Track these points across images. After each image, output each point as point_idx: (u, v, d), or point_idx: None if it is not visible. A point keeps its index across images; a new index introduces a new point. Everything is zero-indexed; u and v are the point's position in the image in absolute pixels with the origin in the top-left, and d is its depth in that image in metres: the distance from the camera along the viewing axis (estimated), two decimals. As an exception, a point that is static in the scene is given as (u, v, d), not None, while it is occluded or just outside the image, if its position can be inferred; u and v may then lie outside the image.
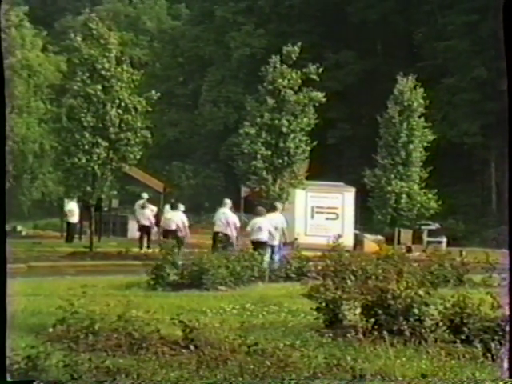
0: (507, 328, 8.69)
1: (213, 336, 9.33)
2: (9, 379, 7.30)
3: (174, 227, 22.48)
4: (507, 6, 6.92)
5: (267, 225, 19.44)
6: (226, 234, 20.48)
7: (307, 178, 27.24)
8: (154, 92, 25.23)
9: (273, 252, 19.37)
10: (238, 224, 21.12)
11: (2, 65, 7.28)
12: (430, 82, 37.16)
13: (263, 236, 19.37)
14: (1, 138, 7.32)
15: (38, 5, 56.21)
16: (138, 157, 24.84)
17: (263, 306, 12.64)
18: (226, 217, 20.87)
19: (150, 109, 24.96)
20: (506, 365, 7.96)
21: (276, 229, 19.63)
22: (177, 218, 22.79)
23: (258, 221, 19.81)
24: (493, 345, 8.64)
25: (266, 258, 18.47)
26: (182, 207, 23.54)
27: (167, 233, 22.15)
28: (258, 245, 18.89)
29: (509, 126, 6.90)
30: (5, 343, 7.16)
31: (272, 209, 21.05)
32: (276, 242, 19.63)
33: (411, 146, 28.61)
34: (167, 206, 29.38)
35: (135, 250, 25.59)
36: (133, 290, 14.74)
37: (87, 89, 24.15)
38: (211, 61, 55.35)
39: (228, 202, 21.64)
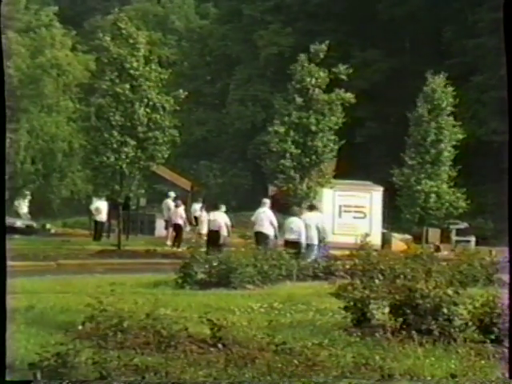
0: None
1: (241, 335, 9.33)
2: (8, 379, 7.33)
3: (218, 228, 22.59)
4: (507, 5, 6.85)
5: (301, 224, 19.49)
6: (266, 234, 20.56)
7: (335, 177, 27.18)
8: (181, 91, 25.32)
9: (311, 251, 19.42)
10: (276, 223, 21.17)
11: (2, 64, 7.34)
12: (459, 80, 36.88)
13: (295, 236, 19.43)
14: (1, 138, 7.35)
15: (68, 5, 56.64)
16: (166, 156, 24.95)
17: (291, 304, 12.61)
18: (267, 216, 20.92)
19: (177, 108, 25.06)
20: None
21: (316, 228, 19.71)
22: (221, 218, 22.91)
23: (292, 220, 19.90)
24: (523, 345, 8.55)
25: (305, 257, 18.58)
26: (223, 208, 23.69)
27: (212, 233, 22.36)
28: (290, 244, 18.96)
29: (509, 125, 6.83)
30: (5, 343, 7.19)
31: (310, 208, 21.21)
32: (315, 242, 19.65)
33: (440, 145, 28.45)
34: (196, 205, 29.50)
35: (163, 248, 25.72)
36: (161, 289, 14.78)
37: (116, 88, 24.29)
38: (239, 59, 55.40)
39: (267, 201, 21.79)
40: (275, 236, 20.89)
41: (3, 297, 7.18)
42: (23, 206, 39.73)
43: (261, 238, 20.20)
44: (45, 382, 7.52)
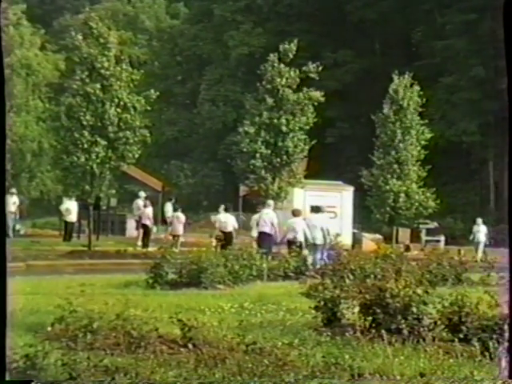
0: (505, 327, 8.70)
1: (211, 335, 9.33)
2: (7, 378, 7.30)
3: (229, 229, 23.56)
4: (507, 5, 6.90)
5: (302, 225, 19.84)
6: (269, 234, 21.04)
7: (306, 177, 27.26)
8: (152, 91, 25.25)
9: (315, 252, 19.64)
10: (277, 225, 21.63)
11: (2, 64, 7.28)
12: (429, 80, 37.18)
13: (297, 236, 19.82)
14: (1, 138, 7.31)
15: (36, 3, 56.21)
16: (137, 156, 24.86)
17: (262, 304, 12.63)
18: (270, 217, 21.43)
19: (148, 108, 24.98)
20: (503, 363, 7.97)
21: (321, 229, 19.99)
22: (230, 220, 23.91)
23: (293, 221, 20.36)
24: (491, 343, 8.64)
25: (309, 257, 18.80)
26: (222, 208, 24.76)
27: (224, 234, 23.12)
28: (291, 244, 19.33)
29: (509, 125, 6.90)
30: (5, 343, 7.15)
31: (315, 210, 21.63)
32: (318, 242, 19.90)
33: (407, 145, 28.63)
34: (168, 205, 29.46)
35: (134, 248, 25.63)
36: (131, 289, 14.73)
37: (86, 87, 24.16)
38: (210, 59, 55.36)
39: (271, 203, 22.53)
40: (276, 237, 21.45)
41: (3, 297, 7.16)
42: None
43: (264, 238, 20.86)
44: (45, 383, 7.49)
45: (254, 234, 21.53)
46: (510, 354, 7.12)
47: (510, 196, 6.83)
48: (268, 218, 21.37)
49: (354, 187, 30.98)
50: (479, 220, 29.52)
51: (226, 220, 23.97)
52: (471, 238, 29.33)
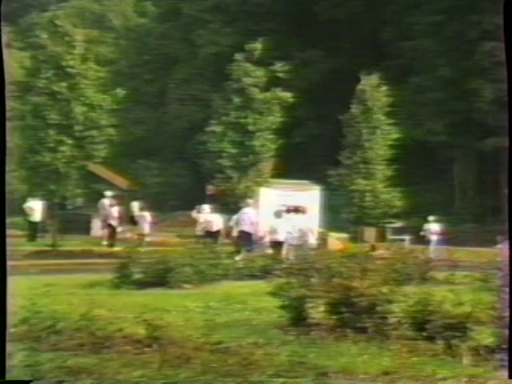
0: (468, 325, 8.78)
1: (176, 334, 9.31)
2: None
3: (215, 228, 23.47)
4: (507, 5, 6.95)
5: (285, 226, 19.96)
6: (249, 233, 21.23)
7: (273, 177, 27.28)
8: (119, 89, 25.14)
9: (295, 251, 19.80)
10: (257, 224, 21.75)
11: (2, 64, 7.26)
12: (396, 80, 37.33)
13: (280, 236, 20.04)
14: (1, 137, 7.31)
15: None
16: (103, 155, 24.75)
17: (227, 304, 12.63)
18: (249, 216, 21.69)
19: (115, 106, 24.87)
20: (465, 361, 8.04)
21: (301, 229, 20.15)
22: (217, 220, 23.78)
23: (276, 222, 20.58)
24: (454, 342, 8.71)
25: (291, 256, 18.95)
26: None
27: (209, 234, 23.03)
28: (275, 245, 19.42)
29: (509, 126, 6.95)
30: (5, 343, 7.09)
31: (296, 210, 21.77)
32: (299, 242, 20.03)
33: (373, 145, 28.79)
34: (134, 205, 29.30)
35: (100, 248, 25.46)
36: (97, 289, 14.64)
37: (52, 86, 23.99)
38: (178, 58, 55.15)
39: (250, 202, 22.80)
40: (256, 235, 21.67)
41: (3, 297, 7.09)
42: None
43: (244, 236, 21.23)
44: (45, 383, 7.43)
45: (234, 233, 21.71)
46: (510, 354, 7.14)
47: (509, 196, 6.89)
48: (247, 216, 21.49)
49: (321, 187, 31.06)
50: (431, 218, 29.33)
51: (213, 219, 23.85)
52: (422, 234, 28.93)
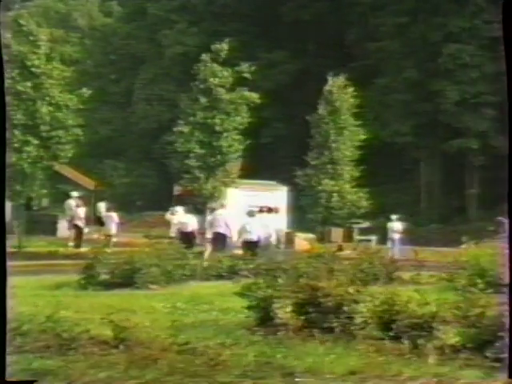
0: (434, 324, 8.85)
1: (143, 335, 9.26)
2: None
3: (190, 229, 23.35)
4: (506, 5, 6.98)
5: (257, 226, 19.98)
6: (224, 235, 21.31)
7: (240, 177, 27.30)
8: (85, 89, 24.99)
9: (268, 250, 19.89)
10: (232, 225, 21.73)
11: (2, 64, 7.19)
12: (363, 82, 37.55)
13: (252, 236, 20.13)
14: (1, 138, 7.24)
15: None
16: (70, 155, 24.61)
17: (194, 304, 12.61)
18: (224, 218, 21.69)
19: (81, 106, 24.72)
20: (431, 360, 8.11)
21: (275, 230, 20.27)
22: (192, 221, 23.70)
23: (248, 222, 20.69)
24: (419, 341, 8.77)
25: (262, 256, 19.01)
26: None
27: (183, 235, 22.93)
28: (247, 245, 19.43)
29: (509, 125, 6.99)
30: (5, 343, 7.02)
31: (269, 210, 21.84)
32: (272, 242, 20.18)
33: (340, 145, 28.94)
34: (101, 205, 29.13)
35: (66, 249, 25.28)
36: (63, 290, 14.53)
37: (17, 86, 23.78)
38: (144, 58, 54.95)
39: (224, 203, 22.92)
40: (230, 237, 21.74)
41: (3, 297, 7.00)
42: None
43: (218, 238, 21.17)
44: (46, 383, 7.37)
45: (209, 234, 21.69)
46: (510, 353, 7.18)
47: (509, 195, 6.92)
48: (222, 218, 21.60)
49: (289, 187, 31.14)
50: (393, 216, 29.35)
51: (188, 221, 23.83)
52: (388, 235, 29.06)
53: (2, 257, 7.15)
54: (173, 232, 24.23)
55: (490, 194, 40.35)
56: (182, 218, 24.32)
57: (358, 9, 47.66)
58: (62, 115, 24.00)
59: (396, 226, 28.50)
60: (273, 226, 20.75)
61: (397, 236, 28.15)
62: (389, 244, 27.76)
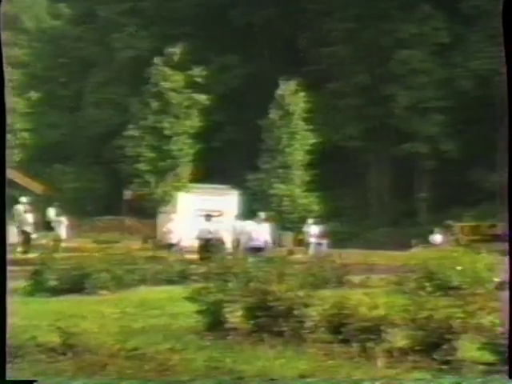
0: (382, 327, 8.90)
1: (91, 341, 9.16)
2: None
3: (175, 240, 23.63)
4: (507, 5, 7.00)
5: (264, 231, 20.19)
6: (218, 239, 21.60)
7: (191, 181, 27.23)
8: (33, 93, 24.69)
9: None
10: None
11: (2, 64, 7.08)
12: (315, 86, 37.75)
13: (258, 242, 20.61)
14: (1, 139, 7.12)
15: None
16: (18, 159, 24.27)
17: (144, 309, 12.52)
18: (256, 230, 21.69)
19: (29, 110, 24.42)
20: (379, 363, 8.15)
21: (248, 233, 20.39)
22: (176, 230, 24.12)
23: (206, 225, 21.22)
24: (368, 344, 8.81)
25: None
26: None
27: (169, 245, 23.47)
28: (252, 250, 20.04)
29: (509, 125, 7.02)
30: (5, 343, 6.86)
31: (221, 214, 21.95)
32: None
33: (292, 150, 29.08)
34: (50, 210, 28.80)
35: (14, 255, 24.91)
36: (10, 297, 14.27)
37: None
38: (94, 62, 54.49)
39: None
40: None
41: (3, 297, 6.80)
42: None
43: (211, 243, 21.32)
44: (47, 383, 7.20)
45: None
46: (510, 353, 7.20)
47: (509, 196, 6.95)
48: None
49: (240, 191, 31.14)
50: (310, 220, 29.58)
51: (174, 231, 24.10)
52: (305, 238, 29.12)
53: (2, 259, 7.10)
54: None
55: (440, 197, 40.89)
56: (167, 227, 24.45)
57: (309, 14, 47.96)
58: (9, 119, 23.72)
59: (313, 229, 28.79)
60: (220, 230, 20.81)
61: (313, 239, 28.47)
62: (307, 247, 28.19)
